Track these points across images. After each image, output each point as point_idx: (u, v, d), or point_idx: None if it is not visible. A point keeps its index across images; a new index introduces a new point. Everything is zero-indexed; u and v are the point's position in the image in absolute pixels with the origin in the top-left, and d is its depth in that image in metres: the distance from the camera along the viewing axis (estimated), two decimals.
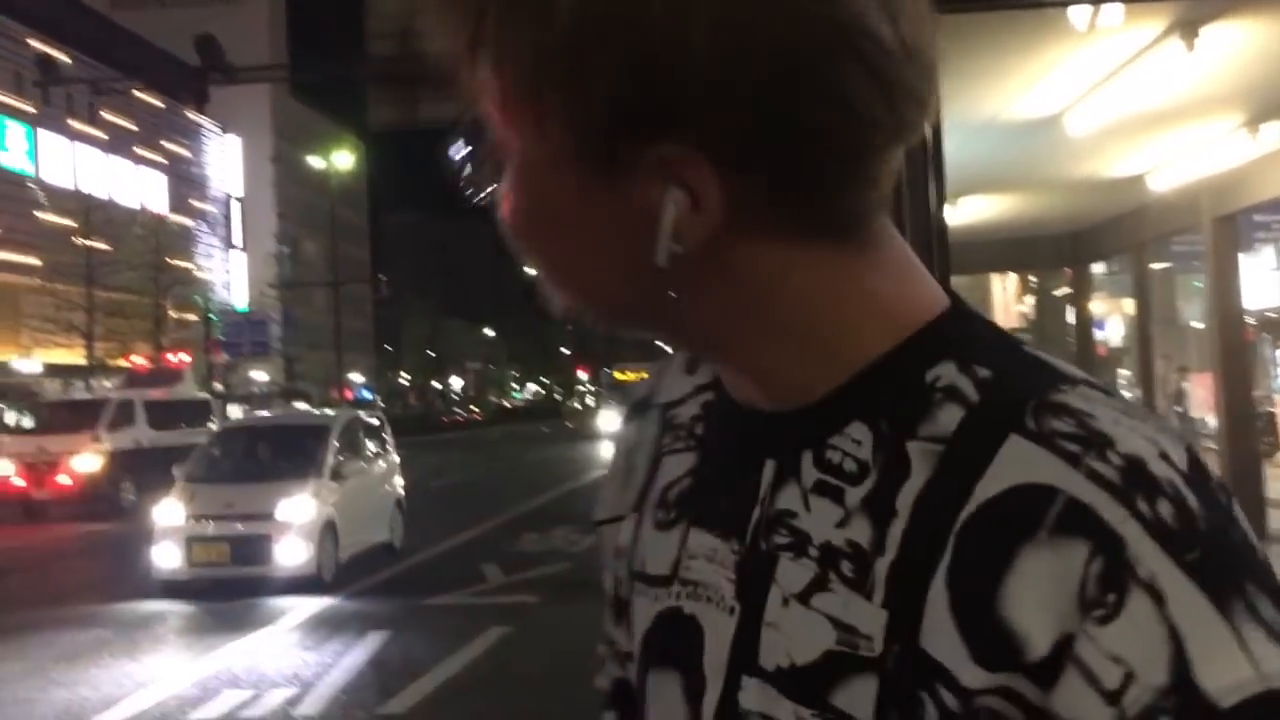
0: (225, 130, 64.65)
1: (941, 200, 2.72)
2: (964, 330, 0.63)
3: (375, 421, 14.97)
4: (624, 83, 0.57)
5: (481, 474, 26.55)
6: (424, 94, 14.12)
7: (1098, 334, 25.27)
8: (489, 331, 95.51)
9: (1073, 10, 3.10)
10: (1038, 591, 0.54)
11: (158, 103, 53.41)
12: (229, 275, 63.10)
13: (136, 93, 40.57)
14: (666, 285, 0.61)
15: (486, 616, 9.40)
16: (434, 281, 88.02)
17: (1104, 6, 3.07)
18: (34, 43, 46.35)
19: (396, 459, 14.70)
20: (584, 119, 0.58)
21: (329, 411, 15.43)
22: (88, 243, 38.71)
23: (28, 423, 23.19)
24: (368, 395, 75.41)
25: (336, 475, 12.09)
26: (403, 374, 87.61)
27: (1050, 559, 0.54)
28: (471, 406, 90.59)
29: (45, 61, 36.62)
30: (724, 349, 0.67)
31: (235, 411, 43.38)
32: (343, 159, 60.86)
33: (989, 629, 0.55)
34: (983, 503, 0.56)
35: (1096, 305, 25.96)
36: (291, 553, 10.92)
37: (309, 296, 63.32)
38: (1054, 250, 9.00)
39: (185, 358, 29.49)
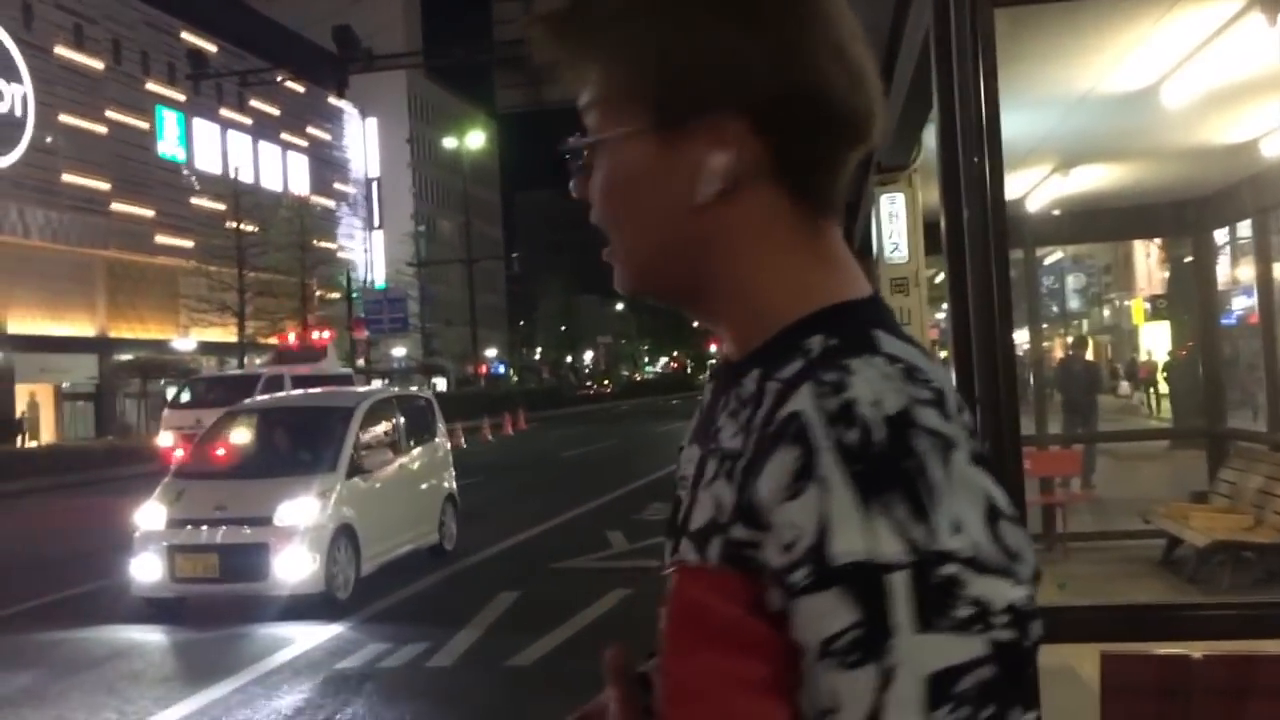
0: (364, 114, 66.53)
1: (999, 177, 2.92)
2: (849, 314, 0.92)
3: (422, 402, 12.95)
4: (701, 78, 0.86)
5: (612, 446, 27.05)
6: (548, 76, 14.56)
7: (1247, 300, 24.29)
8: (620, 307, 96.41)
9: None
10: (768, 479, 0.80)
11: (300, 89, 55.31)
12: (369, 254, 65.10)
13: (280, 79, 42.15)
14: (695, 230, 0.89)
15: (611, 580, 9.79)
16: (566, 257, 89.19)
17: None
18: (185, 35, 48.58)
19: (448, 445, 12.75)
20: (667, 102, 0.87)
21: (363, 390, 13.17)
22: (238, 225, 40.32)
23: (185, 397, 24.50)
24: (502, 369, 77.05)
25: (358, 469, 10.07)
26: (536, 349, 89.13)
27: (781, 458, 0.80)
28: (603, 380, 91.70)
29: (196, 54, 38.34)
30: (710, 307, 0.97)
31: (377, 384, 45.02)
32: (475, 138, 62.08)
33: (750, 499, 0.82)
34: (777, 420, 0.83)
35: (1244, 270, 24.96)
36: (294, 565, 8.96)
37: (445, 274, 64.92)
38: (1175, 217, 8.89)
39: (328, 335, 30.64)
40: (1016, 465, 2.94)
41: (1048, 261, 16.74)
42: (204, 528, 9.24)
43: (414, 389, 13.67)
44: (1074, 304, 39.52)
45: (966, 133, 2.98)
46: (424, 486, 11.69)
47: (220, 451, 10.84)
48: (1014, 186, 7.62)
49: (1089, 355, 17.18)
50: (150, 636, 8.82)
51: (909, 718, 0.73)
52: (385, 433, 11.19)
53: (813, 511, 0.77)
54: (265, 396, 16.62)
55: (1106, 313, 43.74)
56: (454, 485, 12.38)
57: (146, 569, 9.20)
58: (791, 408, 0.82)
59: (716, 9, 0.86)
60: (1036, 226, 9.07)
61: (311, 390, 16.45)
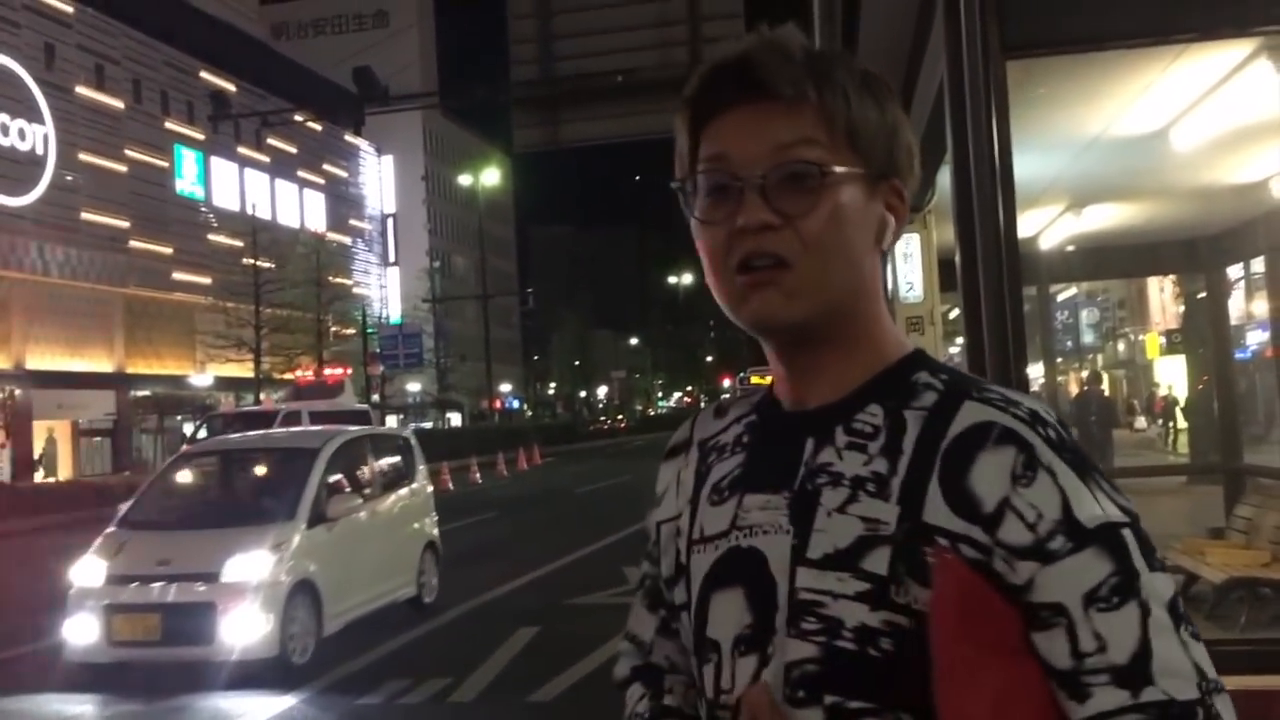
0: (380, 151, 67.17)
1: (1011, 217, 3.01)
2: (926, 356, 1.11)
3: (400, 441, 11.80)
4: (896, 153, 1.08)
5: (626, 481, 27.09)
6: (564, 117, 14.77)
7: (1262, 334, 24.34)
8: (634, 341, 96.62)
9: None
10: (987, 475, 0.96)
11: (317, 127, 55.90)
12: (384, 290, 65.52)
13: (298, 118, 42.63)
14: (865, 272, 1.07)
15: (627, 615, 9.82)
16: (580, 293, 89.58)
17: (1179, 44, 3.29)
18: (204, 75, 49.24)
19: (429, 488, 11.67)
20: (880, 164, 1.07)
21: (332, 429, 11.52)
22: (255, 262, 40.67)
23: (203, 434, 24.62)
24: (516, 404, 77.16)
25: (322, 517, 8.95)
26: (550, 383, 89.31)
27: (995, 457, 0.97)
28: (617, 415, 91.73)
29: (217, 95, 38.82)
30: (838, 345, 1.07)
31: (391, 421, 45.06)
32: (490, 175, 62.52)
33: (964, 495, 0.97)
34: (955, 434, 0.99)
35: (1258, 305, 25.01)
36: (244, 627, 7.94)
37: (460, 309, 65.23)
38: (1187, 254, 8.93)
39: (344, 371, 30.82)
40: None
41: (1061, 297, 16.79)
42: (145, 585, 8.19)
43: (397, 430, 12.55)
44: (1088, 338, 39.49)
45: (980, 175, 3.08)
46: (400, 534, 10.61)
47: (170, 500, 9.81)
48: (1027, 225, 7.70)
49: (1104, 389, 17.19)
50: (82, 708, 7.96)
51: (1169, 638, 0.93)
52: (356, 476, 10.15)
53: (1051, 491, 0.96)
54: (222, 437, 15.81)
55: (1121, 347, 43.70)
56: (436, 532, 11.36)
57: (82, 631, 8.18)
58: (976, 419, 0.99)
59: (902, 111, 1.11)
60: (1050, 263, 9.14)
61: (275, 430, 15.57)
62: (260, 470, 10.17)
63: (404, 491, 11.01)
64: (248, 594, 8.04)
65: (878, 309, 1.09)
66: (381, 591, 9.87)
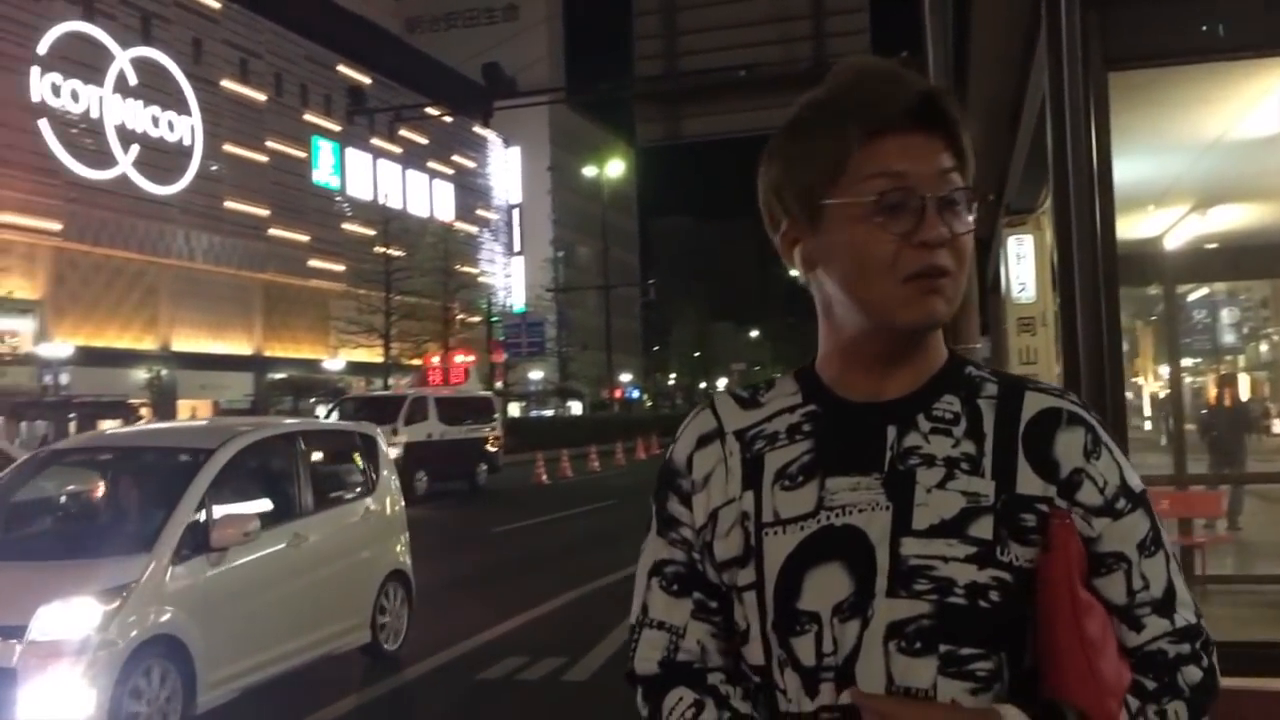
0: (507, 143, 68.25)
1: (1109, 225, 3.11)
2: (963, 355, 1.31)
3: (357, 440, 8.65)
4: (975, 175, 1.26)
5: None
6: (686, 111, 14.94)
7: None
8: (755, 334, 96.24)
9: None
10: (1066, 449, 1.20)
11: (447, 119, 57.14)
12: (509, 279, 66.61)
13: (431, 112, 43.67)
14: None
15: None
16: (700, 284, 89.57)
17: None
18: (341, 68, 50.79)
19: (399, 504, 8.65)
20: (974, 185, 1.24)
21: (242, 424, 8.09)
22: (386, 250, 41.79)
23: (335, 417, 25.54)
24: (636, 394, 77.66)
25: (202, 547, 6.34)
26: (670, 374, 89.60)
27: (1068, 435, 1.21)
28: None
29: (353, 89, 40.02)
30: (931, 344, 1.26)
31: (514, 409, 45.87)
32: (614, 167, 63.05)
33: (1049, 465, 1.20)
34: (1030, 418, 1.22)
35: None
36: (54, 704, 5.55)
37: (582, 299, 65.88)
38: None
39: (471, 358, 31.57)
40: None
41: (1193, 297, 16.29)
42: None
43: (355, 425, 9.50)
44: (1228, 339, 37.96)
45: (1079, 184, 3.18)
46: (348, 563, 7.78)
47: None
48: (1150, 226, 7.63)
49: (1242, 393, 16.65)
50: None
51: (1179, 577, 1.23)
52: (276, 488, 7.47)
53: (1112, 463, 1.22)
54: (92, 433, 12.89)
55: (1264, 348, 41.90)
56: (407, 559, 8.57)
57: None
58: (1043, 406, 1.23)
59: None
60: (1177, 263, 8.99)
61: (158, 425, 12.53)
62: (127, 481, 7.15)
63: (356, 508, 8.16)
64: (65, 657, 5.57)
65: None
66: (311, 642, 7.26)
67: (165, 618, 6.05)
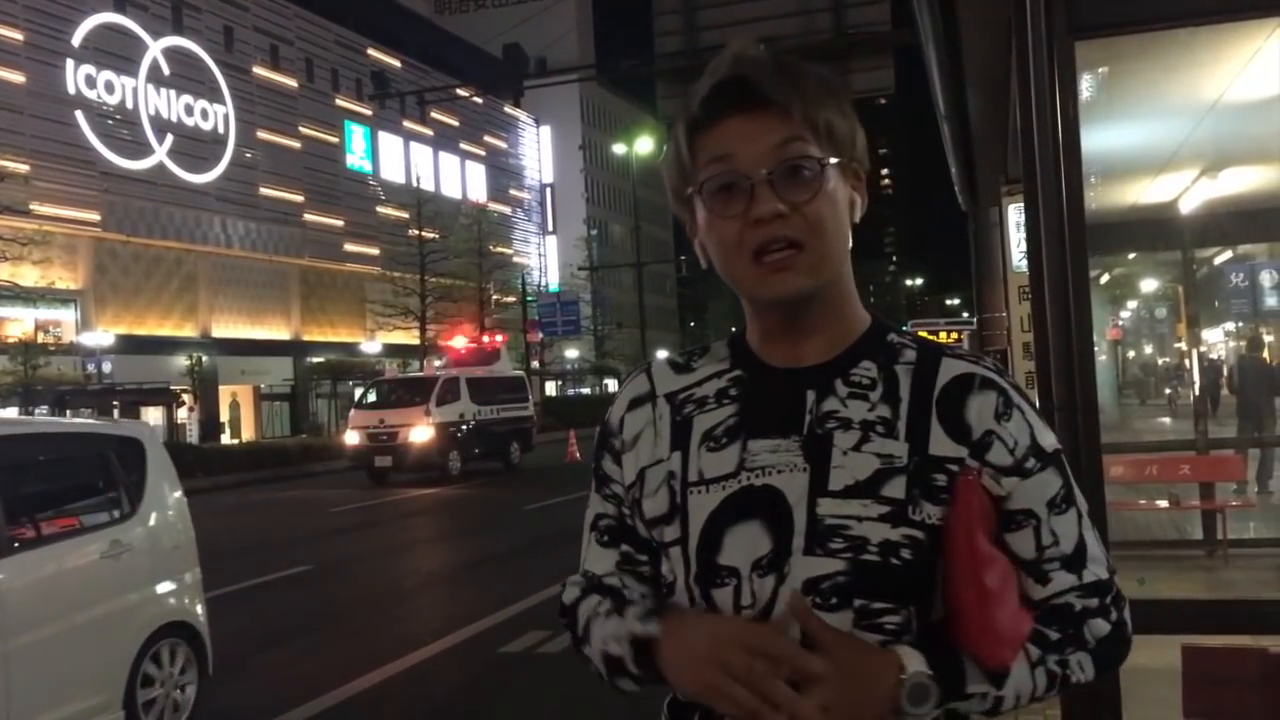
0: (538, 122, 68.27)
1: (1076, 191, 3.12)
2: (884, 318, 1.34)
3: (121, 447, 6.15)
4: (857, 142, 1.28)
5: None
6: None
7: None
8: None
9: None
10: (978, 412, 1.24)
11: (478, 100, 57.24)
12: (543, 259, 66.78)
13: (460, 91, 43.79)
14: (848, 245, 1.28)
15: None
16: None
17: None
18: (371, 52, 51.01)
19: (184, 531, 6.26)
20: (848, 152, 1.27)
21: None
22: (420, 233, 42.02)
23: (371, 398, 25.84)
24: None
25: None
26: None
27: (980, 399, 1.24)
28: None
29: (377, 74, 40.13)
30: (827, 310, 1.28)
31: (550, 388, 45.99)
32: (644, 144, 62.89)
33: (962, 427, 1.23)
34: (945, 383, 1.25)
35: None
36: None
37: (617, 277, 65.88)
38: None
39: (501, 338, 31.71)
40: (1095, 472, 3.07)
41: (1220, 260, 16.10)
42: None
43: (110, 427, 7.70)
44: (1271, 302, 37.37)
45: (1044, 151, 3.20)
46: (78, 621, 5.46)
47: None
48: (1161, 190, 7.58)
49: (1265, 356, 16.43)
50: None
51: (1091, 534, 1.28)
52: None
53: (1024, 425, 1.26)
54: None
55: None
56: (197, 605, 6.22)
57: None
58: (958, 371, 1.27)
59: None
60: (1194, 227, 8.92)
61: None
62: None
63: (93, 542, 5.78)
64: None
65: (851, 278, 1.31)
66: None
67: None
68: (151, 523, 6.10)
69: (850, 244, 1.28)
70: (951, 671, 1.18)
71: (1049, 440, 1.26)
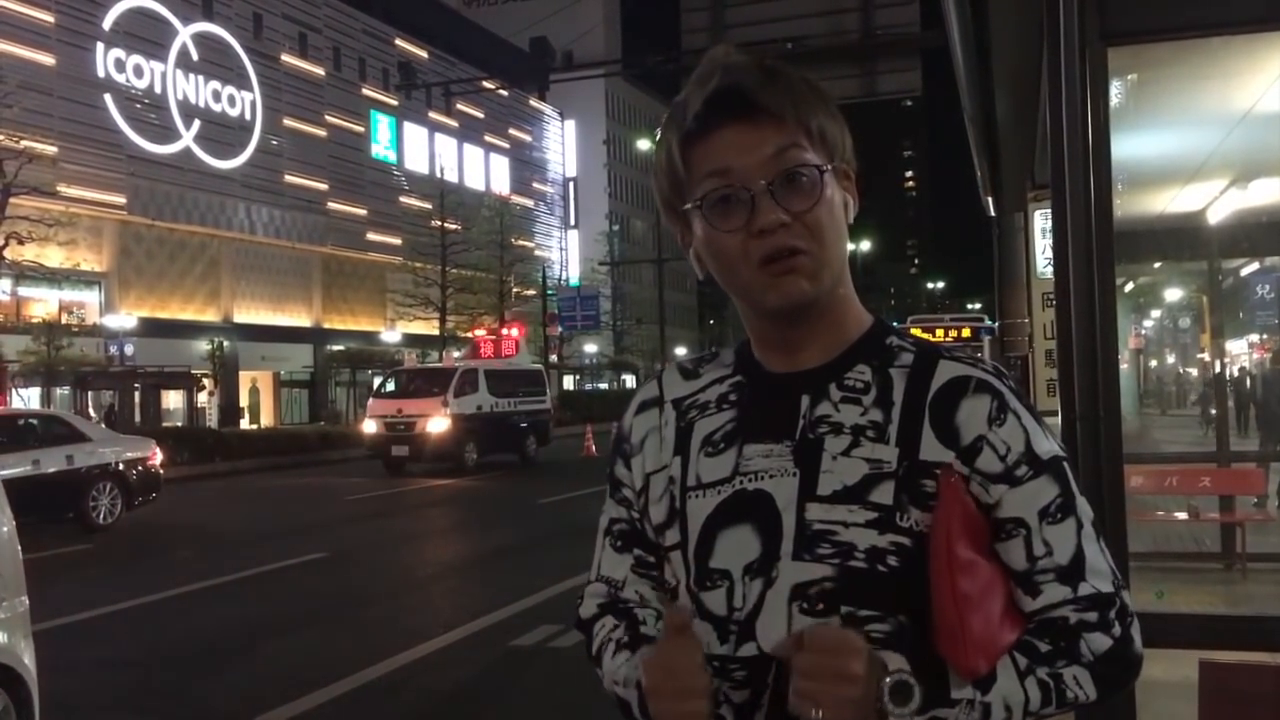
0: (563, 116, 68.30)
1: (1105, 199, 3.09)
2: (886, 321, 1.32)
3: None
4: (847, 145, 1.26)
5: None
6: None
7: None
8: None
9: None
10: (969, 416, 1.20)
11: (503, 93, 57.30)
12: (564, 253, 66.83)
13: (486, 84, 43.85)
14: (846, 253, 1.26)
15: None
16: None
17: None
18: (399, 42, 51.13)
19: (11, 557, 4.56)
20: (840, 156, 1.25)
21: None
22: (442, 224, 41.97)
23: (389, 387, 25.90)
24: None
25: None
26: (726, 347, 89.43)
27: (973, 403, 1.21)
28: None
29: (404, 64, 40.25)
30: (825, 315, 1.25)
31: (569, 383, 46.07)
32: None
33: (952, 432, 1.20)
34: (939, 387, 1.22)
35: None
36: None
37: (637, 273, 65.87)
38: None
39: (518, 331, 31.74)
40: (1117, 482, 3.04)
41: (1246, 271, 15.97)
42: None
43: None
44: None
45: (1073, 156, 3.17)
46: None
47: None
48: (1189, 199, 7.51)
49: None
50: None
51: (1094, 545, 1.21)
52: None
53: (1018, 430, 1.21)
54: None
55: None
56: (17, 643, 4.48)
57: None
58: (953, 374, 1.23)
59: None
60: (1223, 237, 8.84)
61: None
62: None
63: None
64: None
65: (850, 281, 1.28)
66: None
67: None
68: None
69: (848, 246, 1.27)
70: (934, 675, 1.14)
71: (1046, 447, 1.21)
